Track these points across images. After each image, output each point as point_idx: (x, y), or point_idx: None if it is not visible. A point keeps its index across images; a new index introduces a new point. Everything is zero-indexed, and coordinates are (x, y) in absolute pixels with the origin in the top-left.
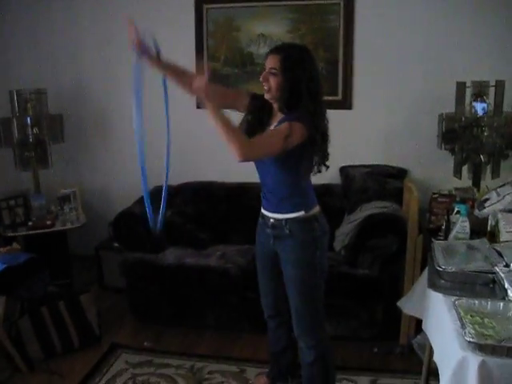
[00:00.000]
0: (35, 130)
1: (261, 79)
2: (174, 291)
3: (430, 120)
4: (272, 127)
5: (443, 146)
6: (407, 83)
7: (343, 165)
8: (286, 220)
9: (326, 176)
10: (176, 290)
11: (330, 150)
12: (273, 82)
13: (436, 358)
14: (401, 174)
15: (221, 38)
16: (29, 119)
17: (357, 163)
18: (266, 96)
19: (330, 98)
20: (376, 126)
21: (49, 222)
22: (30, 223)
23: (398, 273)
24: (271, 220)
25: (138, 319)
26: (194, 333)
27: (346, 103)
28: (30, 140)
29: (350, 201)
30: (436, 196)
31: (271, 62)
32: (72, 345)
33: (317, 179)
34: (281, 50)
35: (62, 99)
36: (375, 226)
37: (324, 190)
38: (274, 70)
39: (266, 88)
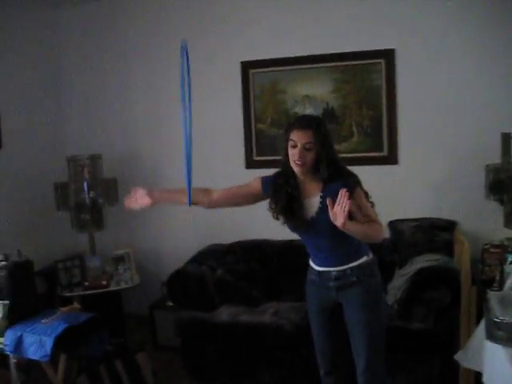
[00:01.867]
0: (91, 194)
1: (297, 157)
2: (228, 349)
3: (476, 171)
4: (315, 198)
5: (491, 197)
6: (451, 135)
7: (391, 219)
8: (351, 268)
9: None
10: (230, 348)
11: (379, 204)
12: (309, 156)
13: None
14: (450, 225)
15: (267, 100)
16: (85, 183)
17: (405, 217)
18: (300, 170)
19: (376, 154)
20: (422, 179)
21: (104, 282)
22: (85, 283)
23: (453, 325)
24: (333, 273)
25: (192, 377)
26: None
27: (391, 158)
28: (87, 203)
29: (401, 254)
30: (488, 247)
31: (305, 137)
32: None
33: None
34: (310, 124)
35: (116, 163)
36: (427, 278)
37: (373, 245)
38: (309, 145)
39: (299, 163)
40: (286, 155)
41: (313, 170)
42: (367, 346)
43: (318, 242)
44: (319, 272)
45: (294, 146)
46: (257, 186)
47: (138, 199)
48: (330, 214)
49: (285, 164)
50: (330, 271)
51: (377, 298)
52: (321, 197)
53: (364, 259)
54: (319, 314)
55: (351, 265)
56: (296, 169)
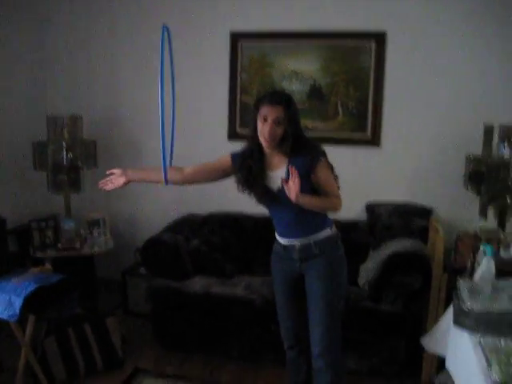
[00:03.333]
0: (70, 155)
1: (267, 131)
2: (198, 319)
3: (457, 160)
4: (281, 170)
5: (469, 187)
6: (435, 123)
7: (369, 201)
8: (315, 241)
9: (353, 212)
10: (201, 318)
11: (358, 186)
12: (278, 130)
13: None
14: (426, 212)
15: (254, 72)
16: (64, 144)
17: (383, 200)
18: (268, 145)
19: (359, 135)
20: (403, 164)
21: (77, 246)
22: (59, 245)
23: (421, 310)
24: (297, 245)
25: (161, 345)
26: (217, 361)
27: (374, 141)
28: (64, 164)
29: (376, 237)
30: (462, 236)
31: (275, 113)
32: (96, 367)
33: (343, 215)
34: (281, 100)
35: (96, 125)
36: (400, 263)
37: (350, 226)
38: (278, 121)
39: (268, 138)
40: (255, 129)
41: (279, 144)
42: (325, 316)
43: (283, 214)
44: (284, 245)
45: (265, 120)
46: (227, 161)
47: (113, 180)
48: (285, 188)
49: (252, 138)
50: (294, 244)
51: (338, 270)
52: (287, 169)
53: (327, 233)
54: (283, 285)
55: (315, 238)
56: (264, 143)
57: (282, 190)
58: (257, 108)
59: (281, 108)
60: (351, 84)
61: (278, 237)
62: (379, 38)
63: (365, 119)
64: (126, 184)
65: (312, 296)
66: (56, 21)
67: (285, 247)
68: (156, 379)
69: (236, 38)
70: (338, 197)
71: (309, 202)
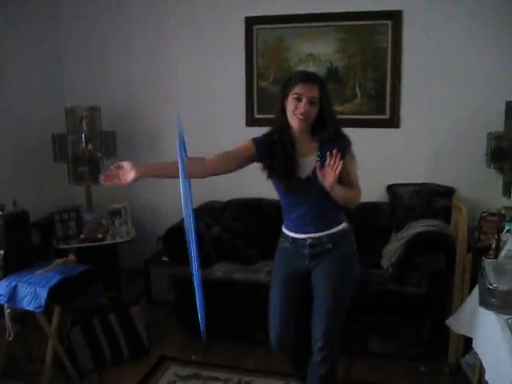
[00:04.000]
0: (89, 147)
1: (302, 110)
2: (222, 305)
3: (479, 138)
4: (311, 158)
5: (492, 165)
6: (455, 102)
7: (390, 183)
8: (328, 235)
9: (374, 194)
10: (224, 305)
11: (378, 168)
12: (313, 111)
13: (488, 377)
14: (449, 192)
15: (270, 57)
16: (83, 136)
17: (404, 181)
18: (301, 125)
19: (378, 116)
20: (424, 144)
21: (100, 236)
22: (81, 236)
23: (446, 291)
24: (309, 240)
25: (186, 332)
26: (241, 347)
27: (393, 122)
28: (84, 155)
29: (398, 219)
30: (485, 215)
31: (311, 91)
32: (122, 356)
33: (364, 197)
34: (316, 79)
35: (115, 116)
36: (423, 243)
37: (371, 208)
38: (314, 99)
39: (303, 117)
40: (283, 110)
41: (311, 127)
42: (329, 318)
43: (303, 204)
44: (294, 239)
45: (299, 100)
46: (250, 147)
47: (122, 175)
48: (319, 173)
49: (280, 120)
50: (305, 238)
51: (349, 267)
52: (318, 156)
53: (341, 226)
54: (288, 285)
55: (328, 232)
56: (297, 124)
57: (310, 178)
58: (287, 87)
59: (315, 87)
60: (368, 65)
61: (286, 231)
62: (395, 17)
63: (383, 100)
64: (136, 180)
65: (319, 295)
66: (71, 12)
67: (295, 241)
68: (182, 367)
69: (251, 23)
70: (359, 190)
71: (340, 191)
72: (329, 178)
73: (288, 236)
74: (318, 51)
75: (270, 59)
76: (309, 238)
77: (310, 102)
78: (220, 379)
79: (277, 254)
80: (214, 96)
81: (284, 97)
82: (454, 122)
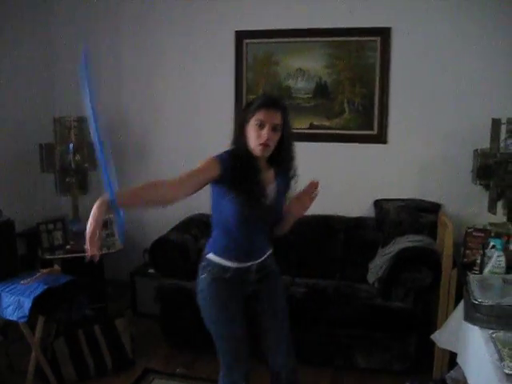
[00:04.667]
0: (77, 157)
1: (265, 138)
2: None
3: (465, 155)
4: (272, 185)
5: (478, 182)
6: (442, 118)
7: (377, 198)
8: (269, 256)
9: (360, 209)
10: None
11: (365, 183)
12: (275, 137)
13: None
14: (435, 208)
15: (259, 71)
16: (71, 146)
17: (391, 197)
18: (263, 153)
19: (365, 132)
20: (411, 160)
21: (86, 247)
22: (67, 247)
23: (432, 306)
24: (253, 267)
25: (171, 345)
26: None
27: (381, 137)
28: (72, 166)
29: (384, 234)
30: (471, 230)
31: (273, 118)
32: (106, 368)
33: (351, 212)
34: (279, 105)
35: (103, 127)
36: (409, 259)
37: (357, 223)
38: (277, 127)
39: (266, 145)
40: (242, 135)
41: (270, 154)
42: (288, 329)
43: (258, 232)
44: (237, 269)
45: (262, 127)
46: (214, 167)
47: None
48: (295, 202)
49: (239, 142)
50: (250, 265)
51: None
52: (276, 184)
53: (271, 247)
54: (239, 311)
55: (268, 253)
56: (260, 152)
57: (271, 206)
58: (249, 112)
59: (279, 113)
60: (357, 81)
61: (225, 261)
62: (384, 34)
63: (371, 116)
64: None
65: (273, 313)
66: (61, 22)
67: (238, 270)
68: (166, 380)
69: (241, 37)
70: None
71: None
72: (305, 207)
73: (226, 267)
74: (307, 66)
75: (259, 73)
76: (255, 263)
77: (273, 129)
78: None
79: (213, 286)
80: (203, 109)
81: (244, 121)
82: (440, 139)
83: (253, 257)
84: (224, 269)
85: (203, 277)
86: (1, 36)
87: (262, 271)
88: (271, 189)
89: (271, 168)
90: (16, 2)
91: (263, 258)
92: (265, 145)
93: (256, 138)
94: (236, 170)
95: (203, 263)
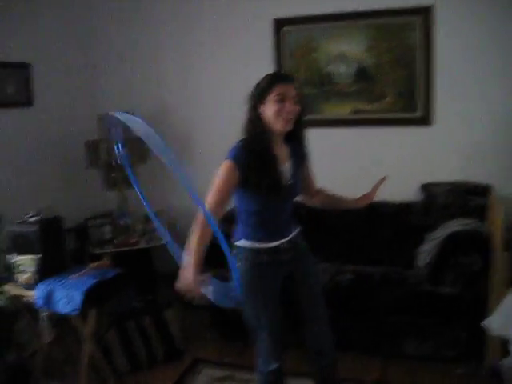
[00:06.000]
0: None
1: (290, 110)
2: None
3: None
4: (287, 164)
5: None
6: (490, 97)
7: (424, 182)
8: (296, 235)
9: (407, 194)
10: None
11: (411, 166)
12: (296, 109)
13: None
14: (485, 190)
15: (299, 58)
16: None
17: (438, 180)
18: (288, 126)
19: (409, 114)
20: (458, 141)
21: (134, 240)
22: (116, 241)
23: (483, 291)
24: (285, 244)
25: (220, 335)
26: None
27: (425, 120)
28: (117, 162)
29: (432, 218)
30: None
31: (292, 90)
32: (156, 358)
33: (397, 197)
34: (293, 78)
35: (147, 122)
36: (458, 243)
37: (405, 208)
38: (297, 98)
39: (291, 117)
40: (258, 117)
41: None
42: (325, 308)
43: (281, 212)
44: (268, 249)
45: (282, 100)
46: (235, 176)
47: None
48: (363, 198)
49: (255, 128)
50: (280, 244)
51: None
52: (292, 161)
53: (297, 225)
54: (276, 297)
55: (295, 231)
56: (284, 125)
57: (291, 185)
58: (263, 91)
59: (293, 86)
60: (398, 63)
61: (260, 243)
62: (426, 13)
63: (414, 98)
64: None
65: (310, 292)
66: (104, 19)
67: (274, 251)
68: (216, 369)
69: (279, 25)
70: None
71: None
72: (370, 198)
73: (262, 248)
74: (346, 50)
75: (299, 61)
76: (285, 242)
77: (294, 102)
78: (254, 381)
79: (253, 272)
80: (241, 98)
81: (259, 102)
82: (488, 118)
83: (281, 235)
84: (257, 252)
85: (238, 265)
86: (45, 37)
87: (293, 250)
88: (287, 167)
89: (287, 145)
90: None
91: (292, 236)
92: (290, 117)
93: (279, 111)
94: (252, 164)
95: (234, 251)
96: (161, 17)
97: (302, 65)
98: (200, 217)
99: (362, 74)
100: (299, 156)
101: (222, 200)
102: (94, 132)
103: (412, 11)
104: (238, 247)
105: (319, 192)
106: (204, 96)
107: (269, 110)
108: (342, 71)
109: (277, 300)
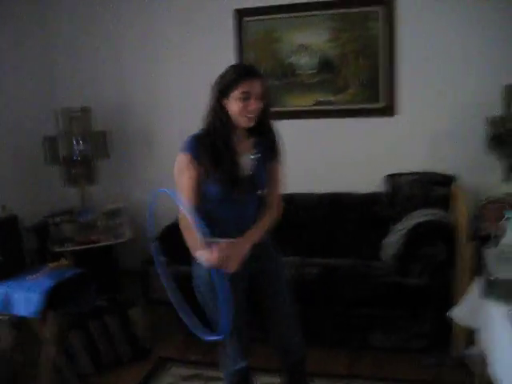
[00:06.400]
0: (81, 147)
1: (253, 108)
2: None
3: (478, 124)
4: (251, 155)
5: (491, 151)
6: (453, 87)
7: (388, 173)
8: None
9: (372, 185)
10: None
11: (375, 158)
12: (261, 106)
13: (492, 369)
14: (448, 180)
15: (261, 49)
16: (74, 137)
17: (402, 171)
18: (250, 124)
19: (372, 105)
20: (421, 132)
21: (95, 238)
22: (77, 239)
23: (449, 282)
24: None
25: (186, 333)
26: None
27: (388, 110)
28: (77, 157)
29: (397, 209)
30: (485, 202)
31: (258, 87)
32: (121, 358)
33: (362, 188)
34: (258, 73)
35: (106, 116)
36: (423, 234)
37: (369, 199)
38: (261, 95)
39: (253, 116)
40: (221, 109)
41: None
42: (292, 305)
43: (246, 205)
44: None
45: (247, 98)
46: (195, 166)
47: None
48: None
49: (215, 119)
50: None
51: (278, 255)
52: (255, 152)
53: None
54: (238, 296)
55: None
56: (246, 123)
57: (250, 176)
58: (228, 85)
59: (260, 81)
60: (361, 53)
61: (220, 240)
62: (388, 3)
63: (376, 89)
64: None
65: (274, 293)
66: (61, 13)
67: None
68: (183, 367)
69: (240, 16)
70: (279, 203)
71: (259, 235)
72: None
73: None
74: (309, 41)
75: (261, 52)
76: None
77: (258, 98)
78: (221, 379)
79: (207, 276)
80: (204, 92)
81: (222, 97)
82: (451, 109)
83: (244, 232)
84: None
85: (198, 263)
86: (1, 29)
87: (257, 249)
88: (247, 158)
89: (250, 137)
90: None
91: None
92: (252, 115)
93: (242, 110)
94: (206, 155)
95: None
96: (121, 9)
97: (263, 56)
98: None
99: (325, 65)
100: (264, 148)
101: (195, 194)
102: (52, 127)
103: (374, 1)
104: None
105: (267, 206)
106: (165, 89)
107: (232, 106)
108: (305, 62)
109: (239, 300)
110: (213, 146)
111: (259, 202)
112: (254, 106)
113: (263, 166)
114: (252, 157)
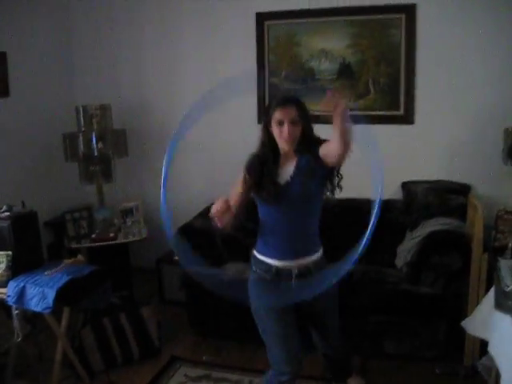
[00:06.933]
0: (100, 145)
1: (286, 133)
2: (233, 305)
3: (496, 134)
4: (290, 168)
5: (509, 162)
6: (471, 97)
7: (405, 180)
8: (316, 260)
9: (388, 192)
10: (235, 305)
11: (392, 165)
12: (296, 130)
13: (504, 380)
14: (464, 189)
15: (282, 53)
16: (94, 134)
17: (419, 178)
18: (289, 146)
19: (392, 112)
20: (439, 140)
21: (111, 235)
22: (93, 236)
23: (462, 291)
24: (296, 271)
25: (197, 333)
26: (253, 348)
27: (407, 118)
28: (95, 154)
29: (412, 217)
30: (502, 213)
31: (289, 113)
32: (132, 356)
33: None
34: (292, 100)
35: (126, 114)
36: (438, 242)
37: (385, 206)
38: (295, 120)
39: (290, 139)
40: (267, 136)
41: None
42: (337, 317)
43: (287, 216)
44: (278, 269)
45: (281, 124)
46: (247, 182)
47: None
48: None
49: (267, 141)
50: (291, 268)
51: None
52: (296, 168)
53: (321, 253)
54: (285, 313)
55: (315, 254)
56: (285, 145)
57: (290, 183)
58: (268, 114)
59: (293, 108)
60: (382, 60)
61: (265, 258)
62: (409, 11)
63: (397, 96)
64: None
65: (325, 306)
66: (82, 11)
67: (280, 273)
68: (193, 367)
69: (262, 19)
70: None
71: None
72: (339, 124)
73: (267, 263)
74: (329, 46)
75: (281, 56)
76: (294, 266)
77: (292, 123)
78: (230, 380)
79: (255, 288)
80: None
81: (268, 123)
82: (469, 118)
83: (293, 253)
84: (266, 267)
85: (250, 276)
86: (21, 27)
87: (306, 276)
88: (287, 170)
89: (293, 156)
90: None
91: (309, 261)
92: (288, 139)
93: (279, 135)
94: (253, 168)
95: (252, 260)
96: (142, 9)
97: (283, 60)
98: None
99: (345, 71)
100: (306, 162)
101: (238, 196)
102: (72, 124)
103: (396, 8)
104: (253, 256)
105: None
106: (184, 90)
107: (273, 131)
108: (325, 67)
109: (285, 312)
110: (259, 166)
111: (309, 212)
112: (286, 131)
113: (302, 180)
114: (292, 170)
